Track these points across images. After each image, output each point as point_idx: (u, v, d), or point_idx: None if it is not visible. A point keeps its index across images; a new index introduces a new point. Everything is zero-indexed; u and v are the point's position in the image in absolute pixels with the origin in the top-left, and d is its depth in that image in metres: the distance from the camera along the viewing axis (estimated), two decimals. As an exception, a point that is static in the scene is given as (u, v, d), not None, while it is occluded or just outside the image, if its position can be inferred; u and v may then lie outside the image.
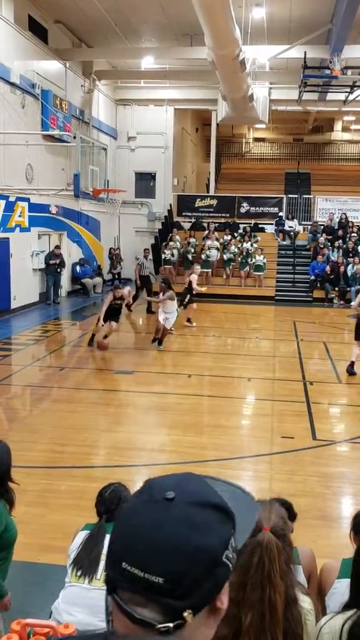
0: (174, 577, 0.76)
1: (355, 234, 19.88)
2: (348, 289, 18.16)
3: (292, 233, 20.84)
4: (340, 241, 19.67)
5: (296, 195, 22.35)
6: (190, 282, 13.53)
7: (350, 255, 18.91)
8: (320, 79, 16.64)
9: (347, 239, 19.64)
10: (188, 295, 13.40)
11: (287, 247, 20.63)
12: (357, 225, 20.47)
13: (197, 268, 14.64)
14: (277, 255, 20.27)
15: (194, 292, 13.55)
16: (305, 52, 15.51)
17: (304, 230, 21.14)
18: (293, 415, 7.49)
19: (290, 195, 22.32)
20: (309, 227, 21.00)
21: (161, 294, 11.27)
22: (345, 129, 29.86)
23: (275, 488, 5.05)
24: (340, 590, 2.22)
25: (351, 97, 17.78)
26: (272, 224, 21.33)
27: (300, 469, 5.84)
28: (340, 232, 20.00)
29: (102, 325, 10.50)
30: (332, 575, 2.39)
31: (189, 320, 13.42)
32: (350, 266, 18.40)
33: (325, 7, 14.47)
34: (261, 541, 1.67)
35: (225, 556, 0.81)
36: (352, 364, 9.39)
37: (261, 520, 1.73)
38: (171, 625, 0.76)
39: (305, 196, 22.34)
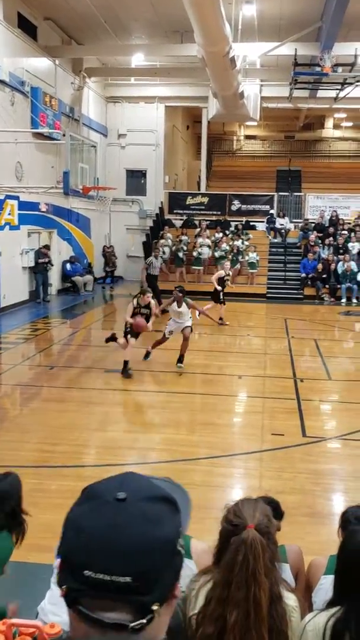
0: (141, 575, 0.77)
1: (345, 232, 19.94)
2: (339, 286, 18.25)
3: (283, 231, 20.87)
4: (331, 239, 19.71)
5: (287, 193, 22.41)
6: (219, 279, 13.42)
7: (341, 252, 18.98)
8: (310, 76, 16.68)
9: (338, 237, 19.69)
10: (221, 293, 13.40)
11: (278, 244, 20.67)
12: (348, 223, 20.55)
13: (227, 264, 14.30)
14: (269, 253, 20.31)
15: (220, 290, 13.45)
16: (295, 49, 15.54)
17: (295, 227, 21.18)
18: (283, 413, 7.51)
19: (281, 193, 22.37)
20: (300, 224, 21.05)
21: (175, 303, 9.47)
22: (336, 126, 29.96)
23: (265, 485, 5.07)
24: (326, 586, 2.23)
25: (342, 94, 17.83)
26: (263, 221, 21.36)
27: (290, 466, 5.85)
28: (331, 230, 20.05)
29: (128, 327, 9.24)
30: (319, 572, 2.40)
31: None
32: (340, 263, 18.46)
33: (316, 4, 14.48)
34: (245, 539, 1.68)
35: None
36: None
37: (245, 518, 1.73)
38: (144, 621, 0.77)
39: (296, 194, 22.40)
